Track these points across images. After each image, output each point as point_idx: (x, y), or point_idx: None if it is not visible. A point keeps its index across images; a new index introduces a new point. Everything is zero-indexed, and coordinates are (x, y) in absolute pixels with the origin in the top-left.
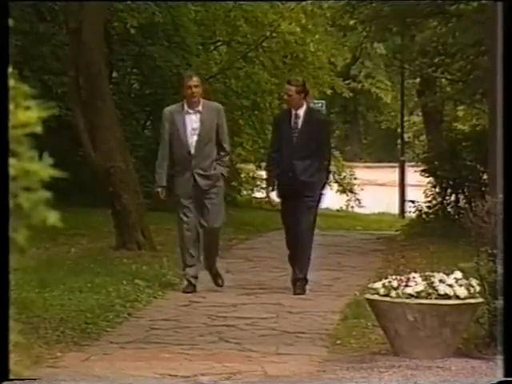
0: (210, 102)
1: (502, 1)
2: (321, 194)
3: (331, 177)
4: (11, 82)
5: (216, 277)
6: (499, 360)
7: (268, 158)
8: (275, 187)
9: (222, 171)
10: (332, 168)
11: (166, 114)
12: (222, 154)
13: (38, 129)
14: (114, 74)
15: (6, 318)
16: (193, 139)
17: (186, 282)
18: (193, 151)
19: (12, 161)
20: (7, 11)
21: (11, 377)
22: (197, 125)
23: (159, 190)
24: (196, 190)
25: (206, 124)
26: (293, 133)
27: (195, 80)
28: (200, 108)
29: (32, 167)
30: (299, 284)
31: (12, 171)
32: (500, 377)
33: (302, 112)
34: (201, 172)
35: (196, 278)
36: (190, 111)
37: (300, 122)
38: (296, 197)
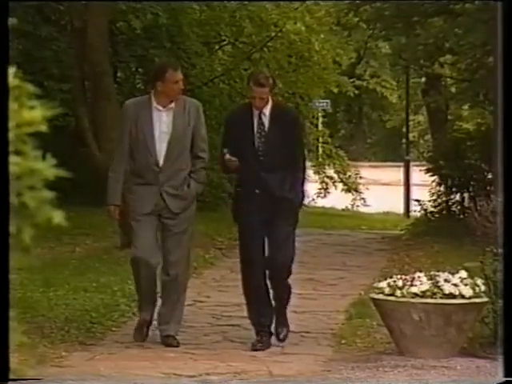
0: (185, 97)
1: (502, 1)
2: (297, 215)
3: (336, 176)
4: (15, 82)
5: (170, 338)
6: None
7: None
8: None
9: (198, 189)
10: (337, 167)
11: (129, 107)
12: (199, 165)
13: (43, 128)
14: (119, 74)
15: (6, 319)
16: (162, 147)
17: (137, 327)
18: (161, 163)
19: (17, 159)
20: (7, 11)
21: (14, 377)
22: (168, 128)
23: (111, 208)
24: (161, 211)
25: (180, 127)
26: (258, 137)
27: (179, 70)
28: (173, 105)
29: (37, 166)
30: (281, 329)
31: (17, 170)
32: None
33: (267, 110)
34: (171, 191)
35: (150, 323)
36: (160, 108)
37: (266, 122)
38: (267, 221)
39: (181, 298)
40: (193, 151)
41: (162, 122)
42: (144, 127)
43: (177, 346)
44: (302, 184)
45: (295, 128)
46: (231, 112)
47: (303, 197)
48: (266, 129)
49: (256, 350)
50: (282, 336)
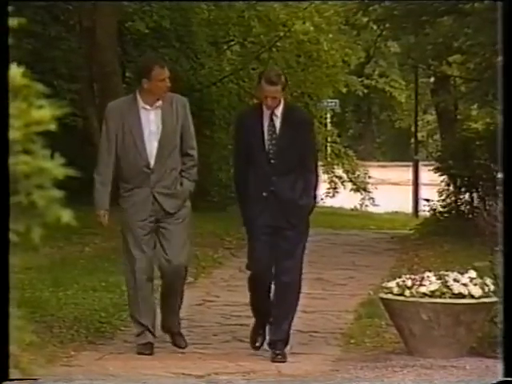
0: (171, 94)
1: (502, 1)
2: (308, 221)
3: (345, 176)
4: (24, 81)
5: (177, 336)
6: None
7: (237, 175)
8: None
9: (190, 187)
10: (346, 167)
11: (113, 108)
12: (189, 163)
13: (52, 127)
14: (127, 74)
15: (6, 318)
16: (152, 147)
17: (141, 342)
18: (153, 163)
19: (26, 159)
20: (7, 11)
21: (24, 376)
22: (157, 127)
23: (101, 212)
24: (157, 215)
25: (170, 125)
26: (269, 139)
27: (166, 68)
28: (160, 103)
29: (46, 165)
30: (279, 346)
31: (26, 169)
32: None
33: (279, 112)
34: (164, 191)
35: (153, 335)
36: (148, 107)
37: (278, 124)
38: (276, 229)
39: (179, 297)
40: (182, 149)
41: (151, 121)
42: (132, 128)
43: (184, 347)
44: (315, 189)
45: (308, 131)
46: (241, 114)
47: (315, 202)
48: (278, 131)
49: (275, 362)
50: (277, 351)
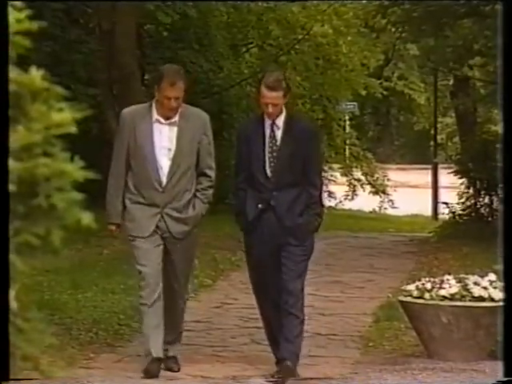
0: (191, 108)
1: (502, 1)
2: (312, 241)
3: (363, 178)
4: (44, 84)
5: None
6: None
7: (236, 188)
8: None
9: (202, 210)
10: (365, 169)
11: (126, 116)
12: (205, 184)
13: (73, 129)
14: (146, 77)
15: (6, 318)
16: (164, 164)
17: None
18: (164, 182)
19: (46, 161)
20: (7, 11)
21: (44, 377)
22: (171, 143)
23: (113, 227)
24: (163, 234)
25: (185, 143)
26: (269, 151)
27: (179, 87)
28: (177, 118)
29: (66, 168)
30: (290, 364)
31: (46, 171)
32: None
33: (281, 121)
34: (174, 214)
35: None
36: (162, 121)
37: (279, 135)
38: (277, 247)
39: (180, 321)
40: (198, 168)
41: (164, 136)
42: (143, 141)
43: (177, 371)
44: (319, 204)
45: (312, 143)
46: (242, 123)
47: (320, 219)
48: (279, 143)
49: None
50: (287, 363)
